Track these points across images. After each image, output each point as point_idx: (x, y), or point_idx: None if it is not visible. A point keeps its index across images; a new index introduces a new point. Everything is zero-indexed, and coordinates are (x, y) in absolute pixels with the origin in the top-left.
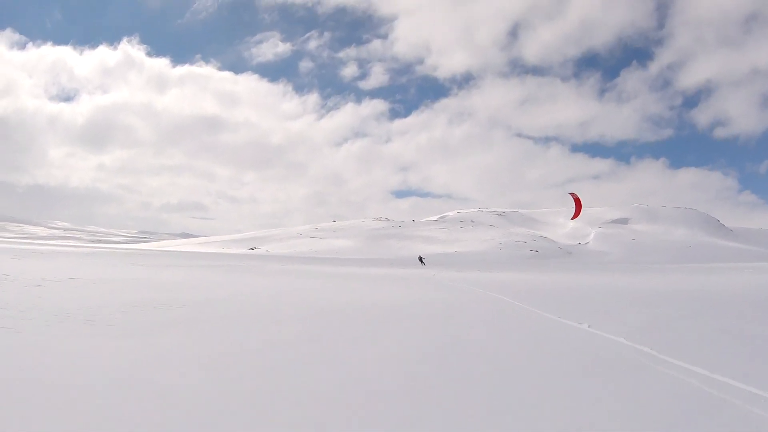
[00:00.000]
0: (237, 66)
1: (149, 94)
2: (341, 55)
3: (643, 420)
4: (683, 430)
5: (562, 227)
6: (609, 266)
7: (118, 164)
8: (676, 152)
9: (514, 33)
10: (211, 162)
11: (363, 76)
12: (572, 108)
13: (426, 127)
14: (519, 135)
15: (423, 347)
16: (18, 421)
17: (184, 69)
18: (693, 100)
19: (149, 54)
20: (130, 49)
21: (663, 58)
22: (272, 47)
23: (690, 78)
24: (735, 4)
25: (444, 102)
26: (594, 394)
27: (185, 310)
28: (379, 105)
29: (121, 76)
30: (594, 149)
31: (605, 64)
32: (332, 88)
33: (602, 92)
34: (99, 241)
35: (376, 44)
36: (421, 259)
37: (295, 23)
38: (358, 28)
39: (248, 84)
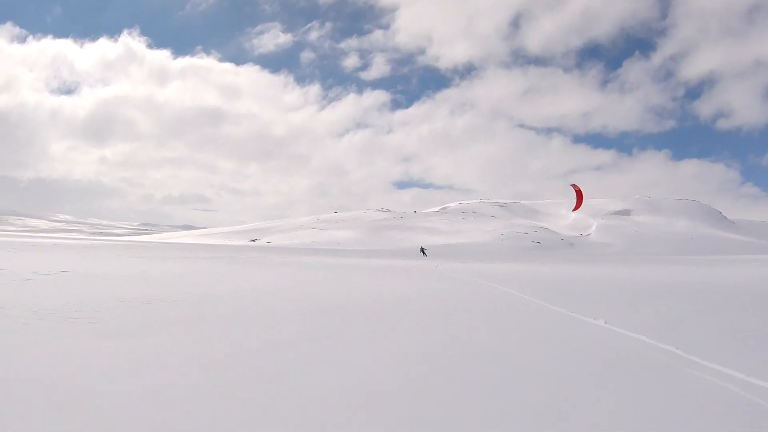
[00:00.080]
0: (238, 57)
1: (150, 87)
2: (342, 45)
3: None
4: None
5: (564, 218)
6: (611, 257)
7: (120, 157)
8: (678, 144)
9: (516, 23)
10: (213, 154)
11: (364, 66)
12: (574, 99)
13: (428, 117)
14: (521, 126)
15: (426, 346)
16: None
17: (185, 61)
18: (696, 91)
19: (150, 46)
20: (131, 42)
21: (665, 48)
22: (273, 38)
23: (693, 69)
24: None
25: (446, 92)
26: (622, 400)
27: (178, 307)
28: (380, 96)
29: (122, 69)
30: (596, 140)
31: (607, 55)
32: (334, 79)
33: (604, 83)
34: (101, 234)
35: (377, 34)
36: (423, 250)
37: (296, 14)
38: (360, 18)
39: (249, 75)
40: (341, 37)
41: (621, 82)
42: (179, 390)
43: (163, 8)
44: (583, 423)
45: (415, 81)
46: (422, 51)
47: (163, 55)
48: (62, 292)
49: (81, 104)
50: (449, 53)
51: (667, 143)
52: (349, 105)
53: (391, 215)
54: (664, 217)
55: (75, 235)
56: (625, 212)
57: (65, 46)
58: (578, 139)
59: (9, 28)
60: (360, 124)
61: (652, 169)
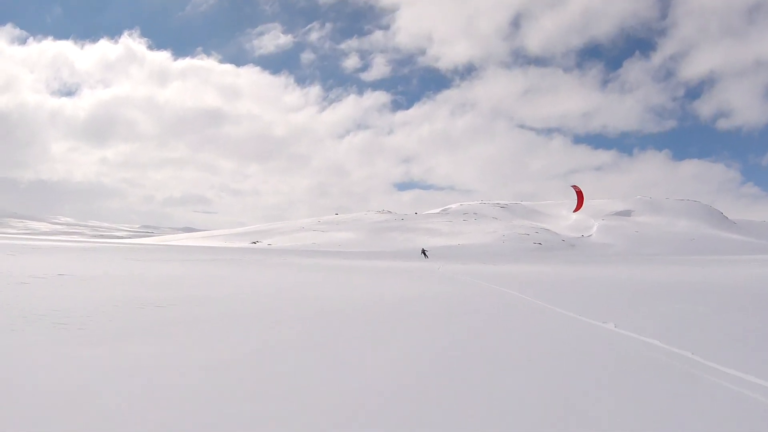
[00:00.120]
0: (238, 58)
1: (151, 88)
2: (343, 46)
3: None
4: None
5: (565, 219)
6: (613, 258)
7: (120, 158)
8: (678, 144)
9: (516, 23)
10: (213, 155)
11: (365, 67)
12: (574, 99)
13: (428, 118)
14: (521, 126)
15: (428, 349)
16: None
17: (186, 62)
18: (696, 91)
19: (150, 47)
20: (131, 43)
21: (666, 48)
22: (273, 39)
23: (693, 69)
24: None
25: (446, 93)
26: (643, 412)
27: (172, 311)
28: (381, 97)
29: (122, 70)
30: (596, 140)
31: (608, 55)
32: (334, 79)
33: (605, 83)
34: (102, 236)
35: (377, 35)
36: (424, 251)
37: (296, 15)
38: (360, 19)
39: (250, 76)
40: (341, 37)
41: (621, 82)
42: (164, 399)
43: (164, 9)
44: None
45: (415, 82)
46: (422, 51)
47: (163, 56)
48: (55, 296)
49: (81, 105)
50: (449, 53)
51: (667, 143)
52: (350, 106)
53: (392, 217)
54: (665, 218)
55: (76, 237)
56: (626, 213)
57: (65, 47)
58: (578, 139)
59: (9, 29)
60: (360, 125)
61: (653, 170)
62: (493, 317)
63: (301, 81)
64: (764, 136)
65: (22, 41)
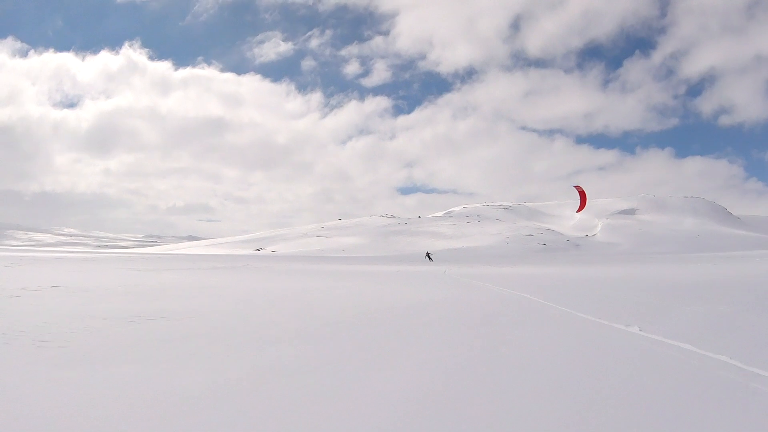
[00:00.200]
0: (239, 67)
1: (153, 98)
2: (343, 52)
3: None
4: None
5: (569, 220)
6: (620, 257)
7: (124, 169)
8: (681, 141)
9: (515, 25)
10: (217, 163)
11: (366, 73)
12: (576, 99)
13: (430, 122)
14: (523, 128)
15: (446, 368)
16: None
17: (187, 72)
18: (697, 88)
19: (151, 58)
20: (132, 54)
21: (666, 47)
22: (274, 47)
23: (693, 66)
24: None
25: (447, 97)
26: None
27: (162, 325)
28: (382, 102)
29: (124, 80)
30: (599, 140)
31: (608, 55)
32: (335, 86)
33: (606, 83)
34: (106, 247)
35: (378, 41)
36: (428, 255)
37: (296, 22)
38: (360, 25)
39: (251, 84)
40: (342, 44)
41: (622, 81)
42: None
43: (164, 20)
44: None
45: (416, 86)
46: (423, 56)
47: (164, 66)
48: (43, 310)
49: (84, 117)
50: (450, 57)
51: (670, 141)
52: (352, 112)
53: (396, 221)
54: (669, 216)
55: (81, 248)
56: (631, 211)
57: (67, 59)
58: (581, 139)
59: (10, 42)
60: (363, 131)
61: (656, 168)
62: (511, 325)
63: (303, 88)
64: (766, 131)
65: (24, 54)
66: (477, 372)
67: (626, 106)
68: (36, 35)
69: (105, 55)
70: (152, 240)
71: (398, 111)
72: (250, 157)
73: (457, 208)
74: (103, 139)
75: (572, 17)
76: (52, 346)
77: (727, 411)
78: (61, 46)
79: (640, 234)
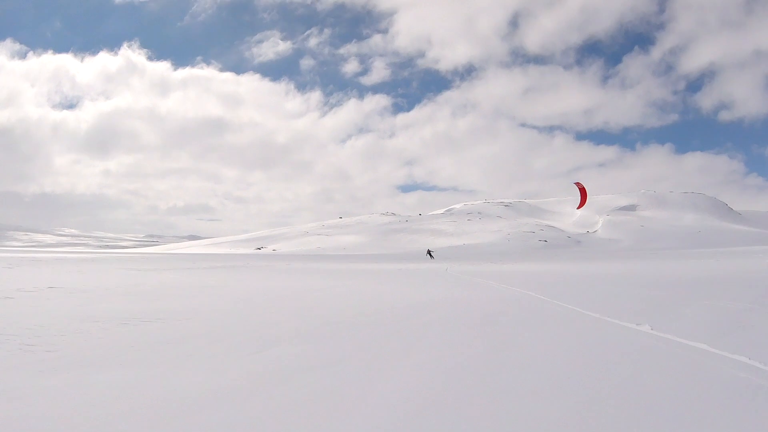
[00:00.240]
0: (238, 66)
1: (152, 98)
2: (342, 51)
3: None
4: None
5: (570, 216)
6: (621, 253)
7: (124, 169)
8: (681, 137)
9: (514, 22)
10: (217, 163)
11: (365, 71)
12: (575, 96)
13: (430, 120)
14: (523, 125)
15: (451, 369)
16: None
17: (186, 72)
18: (696, 84)
19: (150, 58)
20: (131, 54)
21: (665, 42)
22: (273, 46)
23: (693, 62)
24: None
25: (447, 94)
26: None
27: (156, 327)
28: (381, 100)
29: (123, 81)
30: (599, 137)
31: (607, 51)
32: (334, 85)
33: (605, 79)
34: (107, 247)
35: (376, 39)
36: (429, 252)
37: (294, 21)
38: (358, 23)
39: (250, 84)
40: (340, 42)
41: (621, 77)
42: None
43: (162, 20)
44: None
45: (415, 84)
46: (422, 54)
47: (163, 66)
48: (35, 312)
49: (83, 118)
50: (449, 55)
51: (670, 137)
52: (351, 110)
53: (396, 219)
54: (670, 211)
55: (81, 248)
56: (631, 207)
57: (66, 60)
58: (581, 136)
59: (9, 44)
60: (362, 129)
61: (656, 164)
62: (515, 324)
63: (302, 87)
64: (766, 126)
65: (23, 55)
66: (480, 374)
67: (626, 102)
68: (35, 37)
69: (104, 56)
70: (153, 240)
71: (398, 109)
72: (250, 156)
73: (457, 206)
74: (102, 140)
75: (571, 13)
76: (39, 351)
77: (752, 415)
78: (59, 48)
79: (641, 230)
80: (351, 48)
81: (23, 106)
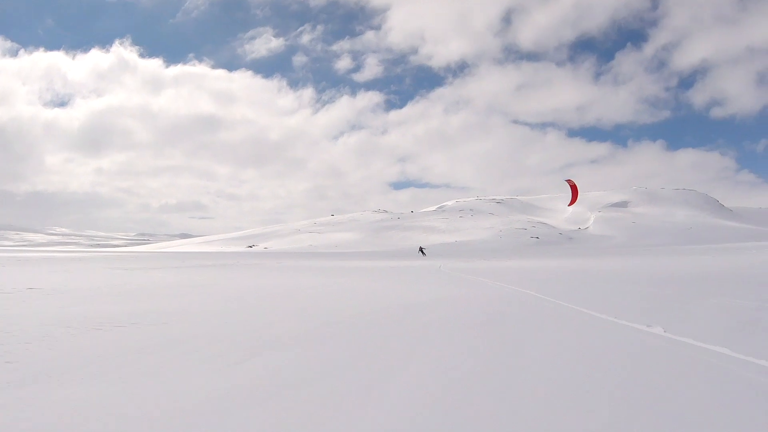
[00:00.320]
0: (231, 63)
1: (144, 96)
2: (335, 47)
3: None
4: None
5: (562, 213)
6: (614, 250)
7: (116, 167)
8: (673, 134)
9: (507, 18)
10: (209, 161)
11: (357, 68)
12: (568, 92)
13: (422, 117)
14: (515, 122)
15: (456, 379)
16: None
17: (178, 69)
18: (689, 80)
19: (142, 55)
20: (123, 52)
21: (658, 39)
22: (265, 43)
23: (685, 58)
24: None
25: (439, 91)
26: None
27: (131, 332)
28: (374, 97)
29: (115, 78)
30: (591, 133)
31: (600, 47)
32: (327, 81)
33: (598, 75)
34: (98, 246)
35: (369, 35)
36: (421, 249)
37: (287, 17)
38: (351, 19)
39: (243, 81)
40: (333, 39)
41: (614, 74)
42: None
43: (154, 17)
44: None
45: (408, 81)
46: (415, 50)
47: (155, 63)
48: (6, 316)
49: (75, 116)
50: (442, 51)
51: (662, 134)
52: (344, 107)
53: (389, 216)
54: (662, 208)
55: (72, 247)
56: (623, 204)
57: (57, 58)
58: (573, 132)
59: (0, 42)
60: (355, 126)
61: (648, 160)
62: (519, 327)
63: (294, 84)
64: (758, 123)
65: (14, 53)
66: (488, 385)
67: (618, 99)
68: (26, 35)
69: (95, 54)
70: (144, 238)
71: (390, 106)
72: (242, 154)
73: (449, 203)
74: (94, 138)
75: (564, 10)
76: None
77: None
78: (51, 45)
79: (633, 226)
80: (344, 44)
81: (15, 105)
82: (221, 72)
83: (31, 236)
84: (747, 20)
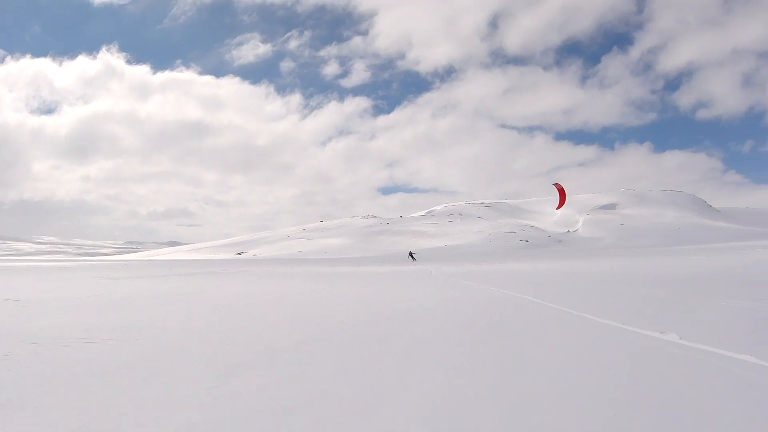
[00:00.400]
0: (218, 69)
1: (132, 102)
2: (322, 53)
3: None
4: None
5: (551, 216)
6: (603, 252)
7: (103, 174)
8: (660, 136)
9: (494, 23)
10: (197, 167)
11: (345, 73)
12: (555, 96)
13: (410, 122)
14: (503, 126)
15: (461, 405)
16: None
17: (165, 75)
18: (675, 83)
19: (129, 62)
20: (110, 58)
21: (643, 42)
22: (253, 49)
23: (671, 61)
24: None
25: (427, 96)
26: None
27: (102, 349)
28: (362, 102)
29: (102, 85)
30: (578, 136)
31: (586, 51)
32: (314, 87)
33: (584, 79)
34: (86, 254)
35: (356, 41)
36: (411, 254)
37: (275, 23)
38: (339, 25)
39: (230, 87)
40: (320, 45)
41: (600, 77)
42: None
43: (142, 23)
44: None
45: (395, 86)
46: (402, 55)
47: (142, 70)
48: None
49: (62, 123)
50: (429, 56)
51: (648, 136)
52: (331, 113)
53: (378, 221)
54: (650, 209)
55: (59, 256)
56: (611, 206)
57: (44, 65)
58: (560, 136)
59: None
60: (343, 132)
61: (635, 162)
62: (526, 338)
63: (282, 90)
64: (744, 124)
65: (1, 60)
66: (499, 410)
67: (605, 102)
68: (13, 41)
69: (82, 60)
70: (133, 246)
71: (378, 111)
72: (230, 160)
73: (438, 207)
74: (81, 145)
75: (550, 14)
76: None
77: None
78: (38, 52)
79: (622, 228)
80: (331, 50)
81: (1, 112)
82: (209, 78)
83: (18, 245)
84: (732, 22)
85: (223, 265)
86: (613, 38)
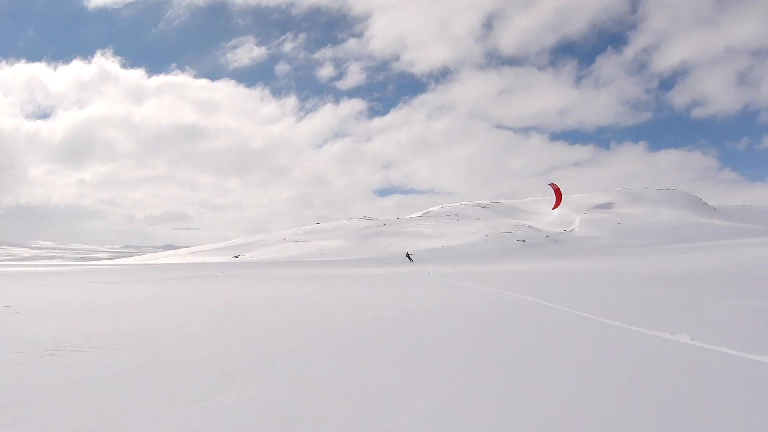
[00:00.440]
0: (213, 73)
1: (127, 106)
2: (317, 56)
3: None
4: None
5: (547, 215)
6: (600, 251)
7: (99, 179)
8: (655, 135)
9: (488, 24)
10: (193, 171)
11: (340, 76)
12: (550, 96)
13: (406, 123)
14: (499, 126)
15: (466, 416)
16: None
17: (160, 79)
18: (669, 82)
19: (124, 66)
20: (105, 62)
21: (638, 41)
22: (247, 52)
23: (665, 60)
24: None
25: (422, 97)
26: None
27: (88, 358)
28: (357, 104)
29: (96, 89)
30: (574, 136)
31: (581, 51)
32: (309, 89)
33: (579, 79)
34: (83, 259)
35: (351, 43)
36: (408, 256)
37: (269, 26)
38: (333, 27)
39: (225, 90)
40: (315, 47)
41: (595, 77)
42: None
43: (136, 27)
44: None
45: (391, 87)
46: (397, 57)
47: (137, 74)
48: None
49: (57, 127)
50: (424, 57)
51: (643, 135)
52: (327, 115)
53: (374, 223)
54: (646, 208)
55: (56, 261)
56: (607, 205)
57: (39, 69)
58: (555, 136)
59: None
60: (338, 134)
61: (631, 162)
62: (532, 342)
63: (277, 92)
64: (739, 122)
65: None
66: (498, 407)
67: (600, 102)
68: (7, 46)
69: (77, 65)
70: (129, 251)
71: (373, 113)
72: (226, 163)
73: (435, 208)
74: (77, 149)
75: (545, 15)
76: None
77: None
78: (32, 57)
79: (618, 227)
80: (326, 52)
81: None
82: (203, 81)
83: (15, 250)
84: (725, 21)
85: (219, 268)
86: (608, 38)
